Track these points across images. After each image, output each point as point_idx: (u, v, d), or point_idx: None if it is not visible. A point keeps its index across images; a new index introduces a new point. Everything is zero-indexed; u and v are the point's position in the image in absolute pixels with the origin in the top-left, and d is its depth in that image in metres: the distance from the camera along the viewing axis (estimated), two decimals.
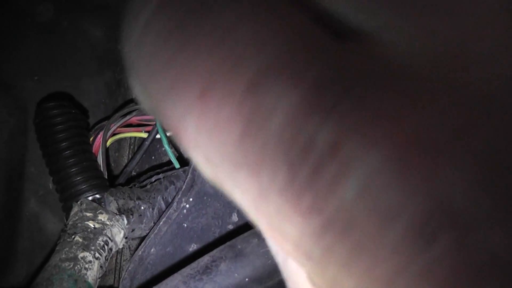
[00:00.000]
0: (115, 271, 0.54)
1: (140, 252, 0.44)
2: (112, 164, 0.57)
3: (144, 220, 0.45)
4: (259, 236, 0.39)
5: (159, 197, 0.46)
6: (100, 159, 0.49)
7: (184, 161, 0.51)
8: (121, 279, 0.45)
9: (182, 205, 0.45)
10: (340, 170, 0.10)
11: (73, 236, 0.39)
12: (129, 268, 0.44)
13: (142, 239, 0.46)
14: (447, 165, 0.10)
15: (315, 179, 0.11)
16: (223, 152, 0.12)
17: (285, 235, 0.12)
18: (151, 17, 0.12)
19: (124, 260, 0.54)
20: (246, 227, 0.45)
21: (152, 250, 0.44)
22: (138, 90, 0.13)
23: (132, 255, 0.48)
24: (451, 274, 0.10)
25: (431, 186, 0.10)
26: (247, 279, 0.37)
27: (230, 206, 0.46)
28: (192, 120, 0.12)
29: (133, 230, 0.44)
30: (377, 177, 0.10)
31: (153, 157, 0.58)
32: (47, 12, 0.55)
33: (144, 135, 0.52)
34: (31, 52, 0.55)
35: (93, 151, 0.50)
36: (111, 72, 0.58)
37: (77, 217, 0.41)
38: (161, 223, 0.44)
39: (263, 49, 0.11)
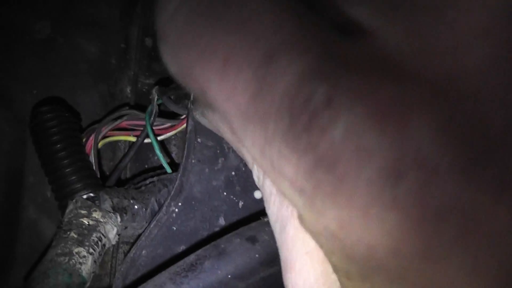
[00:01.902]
0: (110, 275, 0.56)
1: (132, 254, 0.47)
2: (105, 168, 0.59)
3: (137, 219, 0.47)
4: (241, 236, 0.42)
5: (152, 199, 0.49)
6: (93, 160, 0.51)
7: (176, 166, 0.53)
8: (114, 279, 0.48)
9: (171, 209, 0.47)
10: (331, 117, 0.13)
11: (68, 232, 0.42)
12: (122, 269, 0.46)
13: (134, 241, 0.49)
14: (418, 120, 0.12)
15: (311, 124, 0.13)
16: (238, 109, 0.15)
17: (283, 174, 0.14)
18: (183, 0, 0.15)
19: (118, 265, 0.56)
20: (232, 229, 0.47)
21: (143, 252, 0.47)
22: (168, 57, 0.16)
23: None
24: (414, 210, 0.12)
25: (404, 135, 0.12)
26: (229, 276, 0.40)
27: (217, 210, 0.48)
28: (215, 82, 0.15)
29: (126, 228, 0.46)
30: (360, 124, 0.13)
31: (146, 165, 0.61)
32: (45, 29, 0.58)
33: (133, 139, 0.54)
34: (30, 68, 0.58)
35: (86, 152, 0.52)
36: (105, 85, 0.61)
37: (72, 215, 0.44)
38: (151, 226, 0.46)
39: (278, 32, 0.14)
